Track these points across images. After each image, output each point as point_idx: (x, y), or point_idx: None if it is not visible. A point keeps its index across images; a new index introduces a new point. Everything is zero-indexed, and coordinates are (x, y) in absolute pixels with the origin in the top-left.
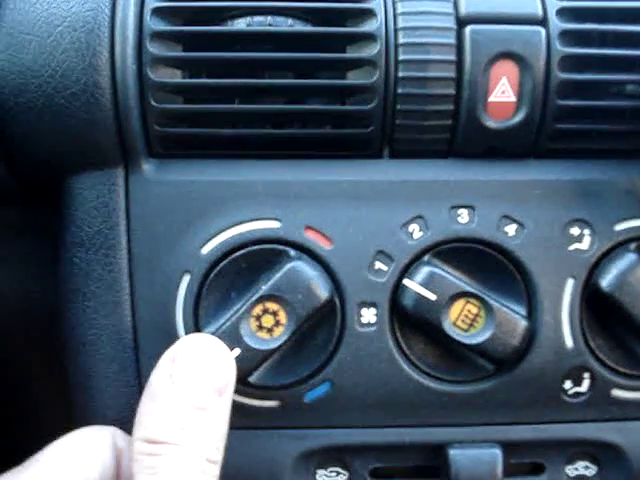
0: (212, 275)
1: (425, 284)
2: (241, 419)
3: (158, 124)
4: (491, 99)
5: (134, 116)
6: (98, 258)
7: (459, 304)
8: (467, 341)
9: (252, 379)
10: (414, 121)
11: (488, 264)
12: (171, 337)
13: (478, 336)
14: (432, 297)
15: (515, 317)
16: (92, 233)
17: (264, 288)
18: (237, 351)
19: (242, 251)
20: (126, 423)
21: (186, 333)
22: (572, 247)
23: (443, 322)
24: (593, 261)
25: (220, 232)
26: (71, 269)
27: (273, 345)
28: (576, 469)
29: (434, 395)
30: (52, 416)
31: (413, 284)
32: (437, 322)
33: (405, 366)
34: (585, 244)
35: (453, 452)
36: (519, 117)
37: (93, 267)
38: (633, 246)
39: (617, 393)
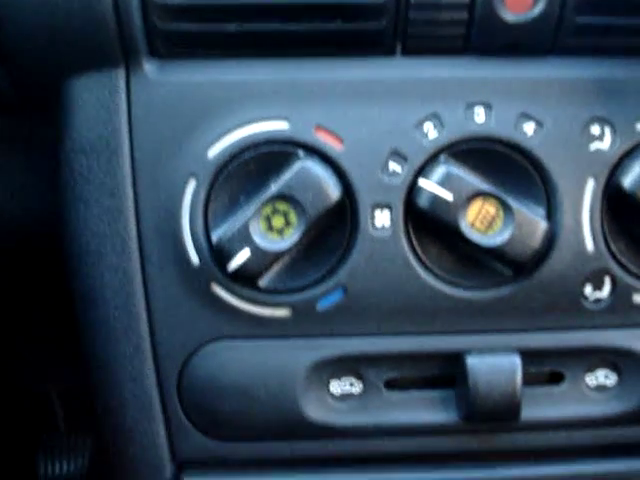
0: (220, 179)
1: (441, 184)
2: (252, 329)
3: (160, 19)
4: None
5: (134, 9)
6: (100, 164)
7: (476, 204)
8: (485, 243)
9: (262, 282)
10: (428, 15)
11: (506, 164)
12: (177, 244)
13: (497, 237)
14: (449, 197)
15: (535, 218)
16: (93, 138)
17: (273, 188)
18: (247, 252)
19: (250, 153)
20: (131, 332)
21: (193, 239)
22: (593, 146)
23: (460, 223)
24: (614, 160)
25: (226, 133)
26: (72, 177)
27: (283, 245)
28: (596, 378)
29: (451, 301)
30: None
31: (429, 184)
32: (454, 223)
33: (421, 271)
34: (606, 143)
35: (471, 360)
36: (538, 9)
37: (95, 173)
38: None
39: (639, 299)
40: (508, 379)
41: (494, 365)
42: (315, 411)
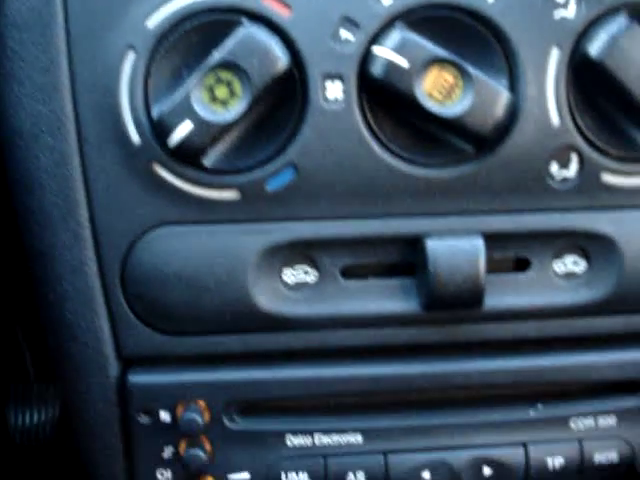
0: (160, 50)
1: (396, 50)
2: (198, 213)
3: None
4: None
5: None
6: (33, 38)
7: (434, 72)
8: (443, 113)
9: (207, 161)
10: None
11: (466, 33)
12: (116, 121)
13: (455, 107)
14: (404, 64)
15: (497, 87)
16: (25, 11)
17: (216, 55)
18: (188, 124)
19: (192, 22)
20: (70, 218)
21: (133, 116)
22: (557, 14)
23: (416, 92)
24: (580, 28)
25: (166, 2)
26: (3, 53)
27: (228, 117)
28: (564, 264)
29: (408, 180)
30: None
31: (383, 50)
32: (410, 92)
33: (376, 147)
34: (571, 11)
35: (431, 243)
36: None
37: (27, 49)
38: (624, 11)
39: (608, 178)
40: (470, 263)
41: (455, 248)
42: (267, 301)
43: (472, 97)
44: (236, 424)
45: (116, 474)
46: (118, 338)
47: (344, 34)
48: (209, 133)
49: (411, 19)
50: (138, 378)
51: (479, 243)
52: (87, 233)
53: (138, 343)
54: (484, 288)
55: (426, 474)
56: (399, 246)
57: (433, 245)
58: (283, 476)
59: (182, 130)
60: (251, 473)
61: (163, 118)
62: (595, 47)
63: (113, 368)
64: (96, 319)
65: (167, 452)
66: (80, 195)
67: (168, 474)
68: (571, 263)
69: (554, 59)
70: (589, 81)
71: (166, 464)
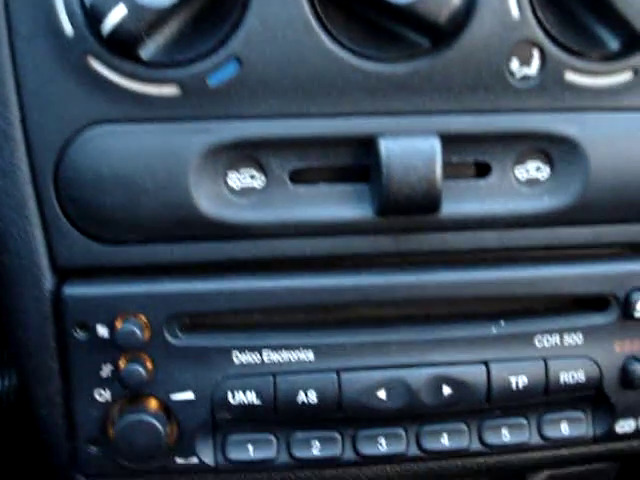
0: None
1: None
2: (136, 110)
3: None
4: None
5: None
6: None
7: None
8: (396, 0)
9: (144, 53)
10: None
11: None
12: (48, 12)
13: None
14: None
15: None
16: None
17: None
18: (122, 8)
19: None
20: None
21: (65, 4)
22: None
23: None
24: None
25: None
26: None
27: (166, 2)
28: (526, 171)
29: (360, 75)
30: None
31: None
32: None
33: (325, 39)
34: None
35: (385, 143)
36: None
37: None
38: None
39: (571, 77)
40: (426, 164)
41: (410, 149)
42: (210, 206)
43: None
44: (179, 340)
45: (51, 396)
46: (52, 247)
47: None
48: (145, 20)
49: None
50: (74, 290)
51: (435, 143)
52: (18, 133)
53: (73, 252)
54: (441, 192)
55: (382, 393)
56: (351, 147)
57: (387, 145)
58: (230, 396)
59: (115, 15)
60: (195, 393)
61: (96, 4)
62: None
63: (47, 280)
64: (28, 226)
65: (105, 370)
66: (10, 92)
67: (107, 394)
68: (534, 169)
69: None
70: None
71: (105, 383)
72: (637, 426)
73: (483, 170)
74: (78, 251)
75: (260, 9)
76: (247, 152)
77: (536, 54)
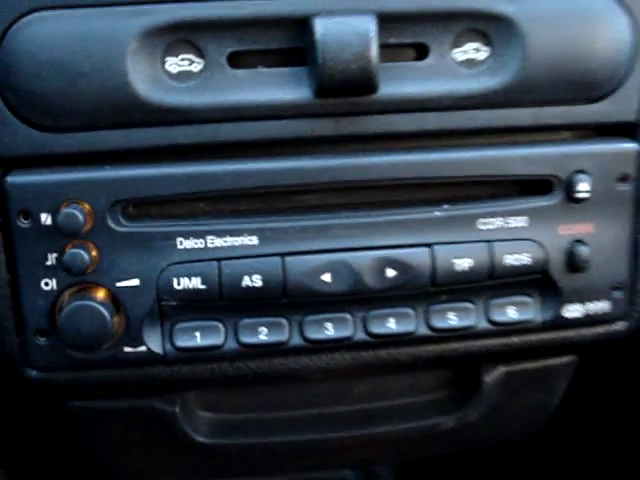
0: None
1: None
2: None
3: None
4: None
5: None
6: None
7: None
8: None
9: None
10: None
11: None
12: None
13: None
14: None
15: None
16: None
17: None
18: None
19: None
20: None
21: None
22: None
23: None
24: None
25: None
26: None
27: None
28: (464, 52)
29: None
30: None
31: None
32: None
33: None
34: None
35: (320, 22)
36: None
37: None
38: None
39: None
40: (362, 42)
41: (346, 27)
42: (149, 90)
43: None
44: (122, 227)
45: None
46: None
47: None
48: None
49: None
50: (16, 179)
51: (371, 22)
52: None
53: (14, 141)
54: (377, 72)
55: (326, 277)
56: (288, 29)
57: (322, 24)
58: (175, 282)
59: None
60: (141, 280)
61: None
62: None
63: None
64: None
65: (50, 258)
66: None
67: (53, 283)
68: (472, 50)
69: None
70: None
71: (50, 272)
72: (586, 311)
73: (422, 52)
74: (19, 140)
75: None
76: (184, 35)
77: None
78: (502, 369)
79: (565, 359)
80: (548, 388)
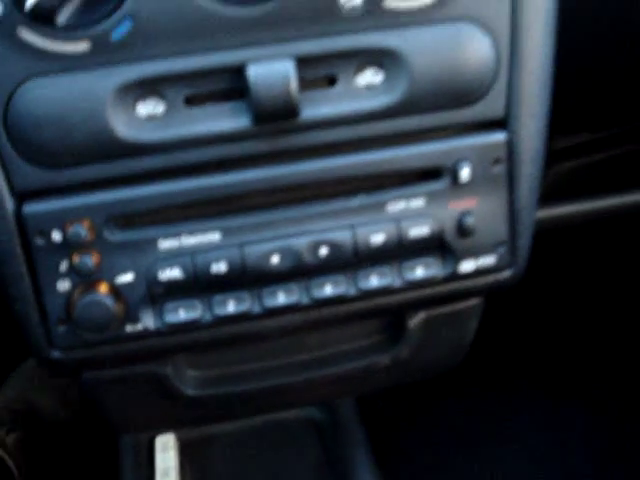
0: None
1: None
2: (59, 64)
3: None
4: None
5: None
6: None
7: None
8: None
9: (60, 19)
10: None
11: None
12: None
13: None
14: None
15: None
16: None
17: None
18: None
19: None
20: None
21: None
22: None
23: None
24: None
25: None
26: None
27: None
28: (364, 78)
29: (226, 18)
30: None
31: None
32: None
33: None
34: None
35: (252, 68)
36: None
37: None
38: None
39: (388, 3)
40: (284, 81)
41: (272, 71)
42: (126, 131)
43: None
44: (116, 236)
45: (24, 292)
46: (9, 177)
47: None
48: None
49: None
50: (31, 208)
51: (290, 64)
52: None
53: (25, 179)
54: (297, 101)
55: (275, 258)
56: (228, 75)
57: (253, 70)
58: (160, 273)
59: None
60: (134, 275)
61: None
62: None
63: (9, 203)
64: None
65: (63, 266)
66: None
67: (66, 284)
68: (370, 76)
69: None
70: None
71: (64, 276)
72: (477, 265)
73: (332, 81)
74: (29, 178)
75: None
76: (149, 86)
77: None
78: (422, 315)
79: (470, 303)
80: (462, 327)
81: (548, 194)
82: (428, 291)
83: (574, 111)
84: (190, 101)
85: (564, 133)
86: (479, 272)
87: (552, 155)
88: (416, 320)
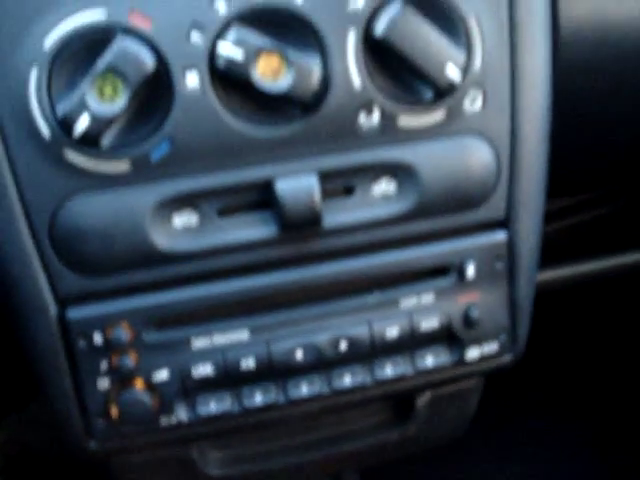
0: (57, 64)
1: (234, 43)
2: (102, 182)
3: None
4: None
5: None
6: None
7: (263, 59)
8: (274, 88)
9: (104, 142)
10: None
11: (286, 26)
12: (30, 121)
13: (282, 84)
14: (239, 55)
15: (311, 65)
16: None
17: (100, 65)
18: (86, 117)
19: (79, 39)
20: (3, 198)
21: (42, 115)
22: (351, 5)
23: (252, 75)
24: (367, 14)
25: (57, 24)
26: None
27: (115, 108)
28: (380, 187)
29: (256, 139)
30: None
31: (224, 46)
32: (247, 75)
33: (228, 118)
34: (360, 3)
35: (279, 184)
36: None
37: None
38: None
39: (403, 121)
40: (309, 194)
41: (297, 185)
42: (163, 241)
43: (293, 75)
44: (153, 336)
45: (66, 391)
46: (54, 285)
47: (194, 35)
48: (102, 122)
49: (243, 18)
50: (74, 313)
51: (314, 179)
52: (18, 208)
53: (69, 286)
54: (320, 212)
55: (299, 354)
56: (257, 189)
57: (280, 185)
58: (193, 370)
59: (82, 123)
60: (169, 372)
61: (66, 115)
62: (379, 28)
63: (53, 309)
64: (35, 274)
65: (103, 365)
66: (9, 180)
67: (106, 382)
68: (385, 185)
69: (352, 40)
70: (381, 52)
71: (104, 374)
72: (482, 352)
73: (350, 190)
74: (72, 285)
75: (181, 103)
76: (185, 200)
77: (376, 109)
78: (429, 394)
79: (473, 382)
80: (465, 402)
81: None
82: (437, 376)
83: (555, 177)
84: (222, 212)
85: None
86: (483, 358)
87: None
88: (424, 399)
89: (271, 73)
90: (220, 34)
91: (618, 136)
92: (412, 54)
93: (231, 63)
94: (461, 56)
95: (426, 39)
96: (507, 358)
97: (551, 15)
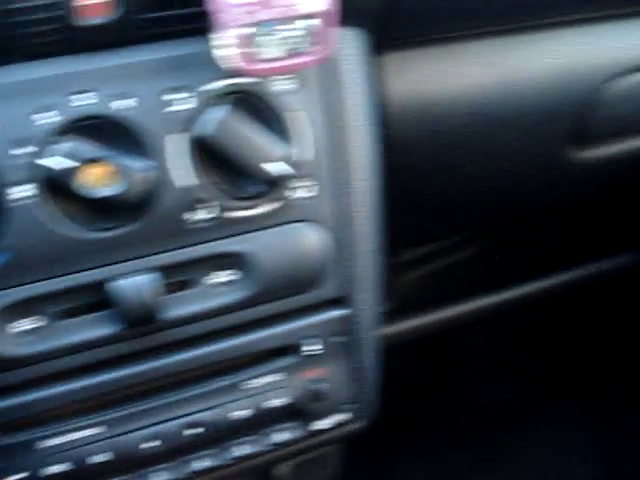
0: None
1: (64, 156)
2: None
3: None
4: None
5: None
6: None
7: (96, 168)
8: (108, 194)
9: None
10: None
11: (116, 133)
12: None
13: (116, 189)
14: (72, 164)
15: (144, 172)
16: None
17: None
18: None
19: None
20: None
21: None
22: (175, 108)
23: (72, 184)
24: (194, 115)
25: None
26: None
27: None
28: (219, 277)
29: (90, 242)
30: None
31: (53, 160)
32: (78, 184)
33: (61, 224)
34: (186, 104)
35: (112, 284)
36: (113, 15)
37: None
38: (226, 100)
39: (232, 214)
40: (141, 293)
41: (131, 284)
42: (5, 348)
43: (127, 181)
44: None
45: None
46: None
47: (18, 150)
48: None
49: (72, 130)
50: None
51: (147, 278)
52: None
53: None
54: (155, 307)
55: (156, 442)
56: (93, 291)
57: (113, 286)
58: (49, 470)
59: None
60: (22, 473)
61: None
62: (205, 129)
63: None
64: None
65: None
66: None
67: None
68: (225, 275)
69: (182, 141)
70: (208, 151)
71: None
72: (331, 424)
73: (189, 283)
74: None
75: (13, 214)
76: (27, 306)
77: (208, 206)
78: (288, 463)
79: (331, 447)
80: (328, 465)
81: (404, 303)
82: (291, 448)
83: (416, 228)
84: (63, 315)
85: (409, 246)
86: (333, 427)
87: (399, 267)
88: (285, 468)
89: (105, 180)
90: (41, 147)
91: (459, 197)
92: (236, 152)
93: (63, 174)
94: (287, 151)
95: (249, 138)
96: (359, 424)
97: (378, 95)
